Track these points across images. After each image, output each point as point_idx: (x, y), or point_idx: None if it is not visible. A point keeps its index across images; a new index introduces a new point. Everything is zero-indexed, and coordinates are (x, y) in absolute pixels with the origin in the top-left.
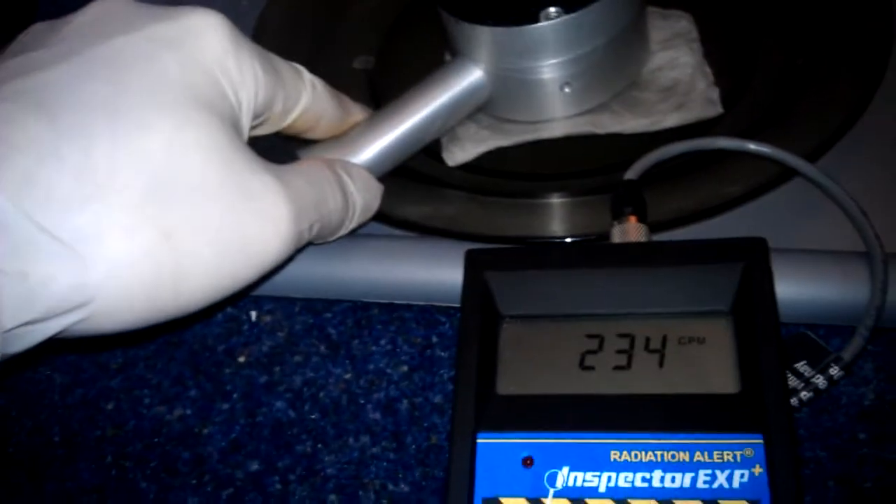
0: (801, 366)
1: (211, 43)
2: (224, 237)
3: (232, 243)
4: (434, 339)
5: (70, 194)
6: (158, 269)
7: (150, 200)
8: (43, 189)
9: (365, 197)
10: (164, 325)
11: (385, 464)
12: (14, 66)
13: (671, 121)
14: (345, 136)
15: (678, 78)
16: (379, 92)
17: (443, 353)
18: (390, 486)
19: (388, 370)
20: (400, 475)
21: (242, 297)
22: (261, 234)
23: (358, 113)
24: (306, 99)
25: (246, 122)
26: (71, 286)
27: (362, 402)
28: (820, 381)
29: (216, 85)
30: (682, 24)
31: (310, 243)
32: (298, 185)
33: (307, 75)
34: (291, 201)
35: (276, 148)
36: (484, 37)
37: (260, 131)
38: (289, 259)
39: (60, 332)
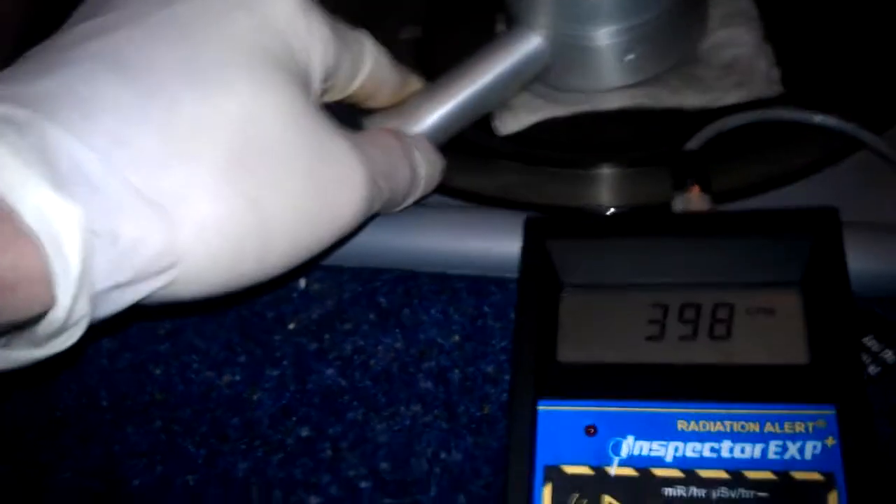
0: (869, 340)
1: (282, 3)
2: (306, 201)
3: (313, 208)
4: (486, 309)
5: (156, 154)
6: (244, 233)
7: (234, 163)
8: (130, 149)
9: (429, 169)
10: (235, 294)
11: (437, 433)
12: (85, 29)
13: (730, 98)
14: (405, 105)
15: (738, 56)
16: (427, 62)
17: (495, 324)
18: (443, 455)
19: (440, 340)
20: (452, 444)
21: (309, 267)
22: (339, 198)
23: (415, 82)
24: (369, 64)
25: (317, 86)
26: (160, 248)
27: (413, 370)
28: (889, 355)
29: (288, 47)
30: (743, 2)
31: (376, 214)
32: (371, 153)
33: (368, 41)
34: (366, 167)
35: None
36: (546, 4)
37: (325, 98)
38: (358, 228)
39: (146, 298)
